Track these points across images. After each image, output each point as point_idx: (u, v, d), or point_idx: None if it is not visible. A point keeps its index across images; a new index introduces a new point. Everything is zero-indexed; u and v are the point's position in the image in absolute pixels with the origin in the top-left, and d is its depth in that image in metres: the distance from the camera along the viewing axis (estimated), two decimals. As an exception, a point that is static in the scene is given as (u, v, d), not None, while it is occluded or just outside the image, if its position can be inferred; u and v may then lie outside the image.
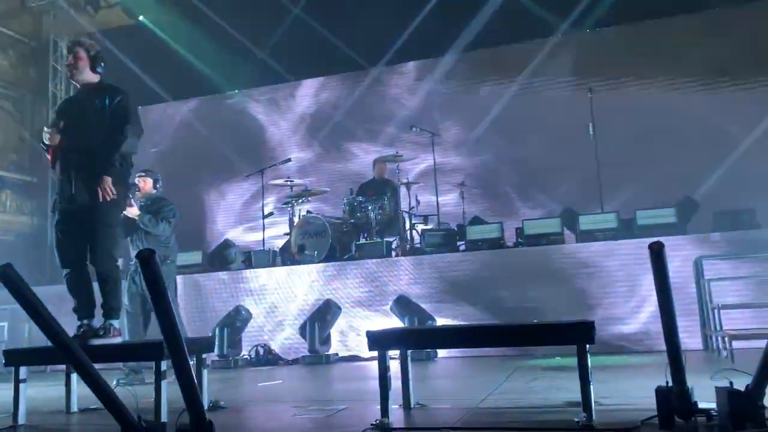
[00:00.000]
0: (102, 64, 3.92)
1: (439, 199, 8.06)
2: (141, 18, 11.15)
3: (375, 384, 3.06)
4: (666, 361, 2.47)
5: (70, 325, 3.76)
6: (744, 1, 8.50)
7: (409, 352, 3.34)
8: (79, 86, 3.96)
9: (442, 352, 6.34)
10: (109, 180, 3.65)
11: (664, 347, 2.47)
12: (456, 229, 7.62)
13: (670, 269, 2.42)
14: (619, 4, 8.60)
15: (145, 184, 5.93)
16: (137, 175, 5.97)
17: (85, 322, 3.68)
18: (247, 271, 7.61)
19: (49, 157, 3.83)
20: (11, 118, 12.38)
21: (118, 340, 3.64)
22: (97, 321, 3.74)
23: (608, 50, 8.88)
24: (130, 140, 3.79)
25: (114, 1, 11.61)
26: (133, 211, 5.56)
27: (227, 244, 8.33)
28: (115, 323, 3.69)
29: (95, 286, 3.80)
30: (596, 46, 9.00)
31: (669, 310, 2.42)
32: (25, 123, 12.31)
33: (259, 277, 7.42)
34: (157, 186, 6.01)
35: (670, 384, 2.45)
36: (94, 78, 3.91)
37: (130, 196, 5.62)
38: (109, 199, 3.65)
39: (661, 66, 8.58)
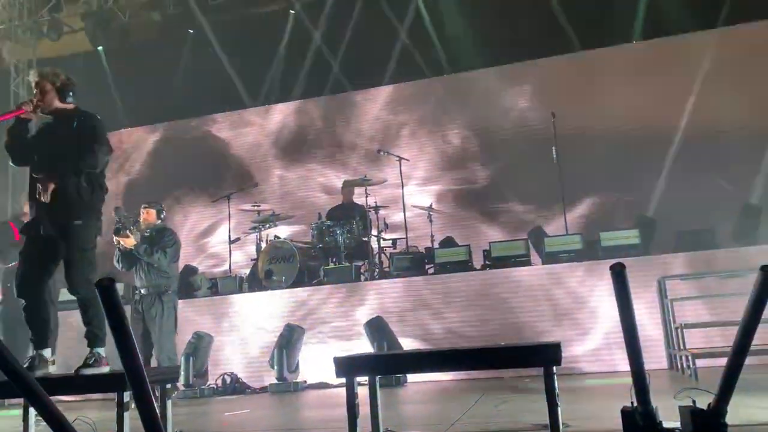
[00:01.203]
0: (71, 92, 3.83)
1: (408, 222, 8.08)
2: (99, 48, 11.09)
3: (343, 411, 3.02)
4: (631, 382, 2.50)
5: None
6: (700, 28, 8.81)
7: (377, 377, 3.31)
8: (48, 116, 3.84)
9: (411, 377, 6.31)
10: (51, 184, 3.58)
11: (629, 367, 2.50)
12: (424, 252, 7.64)
13: (632, 290, 2.46)
14: (580, 32, 8.86)
15: (149, 215, 6.16)
16: (141, 206, 6.25)
17: (40, 352, 3.57)
18: (214, 298, 7.50)
19: (7, 114, 3.71)
20: (-31, 145, 12.09)
21: (106, 369, 3.53)
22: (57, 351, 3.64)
23: (568, 75, 9.08)
24: (99, 156, 3.70)
25: (78, 27, 11.49)
26: (129, 242, 5.70)
27: (191, 271, 8.22)
28: (102, 351, 3.58)
29: (59, 314, 3.71)
30: (557, 72, 9.20)
31: (632, 330, 2.45)
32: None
33: (226, 304, 7.31)
34: (161, 216, 6.25)
35: (635, 404, 2.47)
36: (66, 106, 3.81)
37: (130, 227, 5.68)
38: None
39: (618, 89, 8.79)
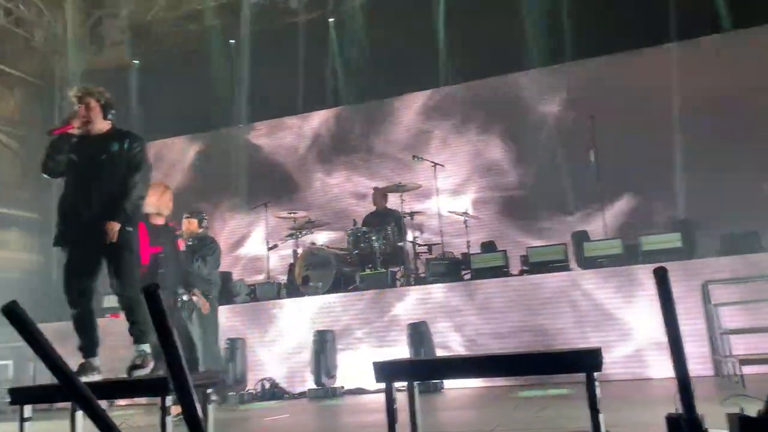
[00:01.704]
0: (113, 111, 3.92)
1: (443, 228, 8.05)
2: (135, 62, 11.35)
3: (381, 417, 3.03)
4: (675, 389, 2.45)
5: (73, 362, 3.76)
6: (748, 26, 8.57)
7: (415, 383, 3.30)
8: (86, 133, 3.91)
9: (448, 383, 6.28)
10: (117, 225, 3.67)
11: (671, 374, 2.45)
12: (460, 257, 7.61)
13: (675, 294, 2.41)
14: (617, 33, 8.72)
15: (191, 224, 6.34)
16: (184, 216, 6.42)
17: (89, 360, 3.67)
18: (253, 304, 7.59)
19: (58, 129, 3.80)
20: (16, 156, 12.51)
21: (151, 365, 3.63)
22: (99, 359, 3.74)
23: (607, 77, 8.95)
24: (140, 186, 3.81)
25: (118, 40, 11.79)
26: None
27: (227, 278, 8.34)
28: (147, 348, 3.68)
29: (101, 321, 3.80)
30: (595, 73, 9.07)
31: (676, 335, 2.40)
32: (30, 161, 12.42)
33: (265, 310, 7.39)
34: (203, 225, 6.41)
35: (680, 411, 2.41)
36: (106, 125, 3.90)
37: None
38: (114, 240, 3.66)
39: (660, 92, 8.63)
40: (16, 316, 1.77)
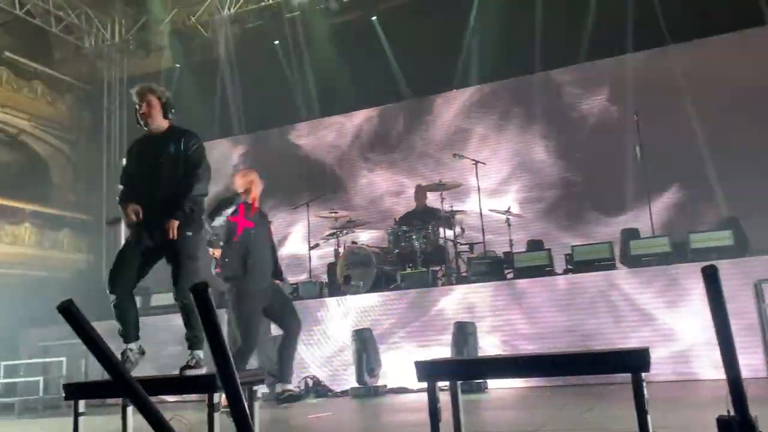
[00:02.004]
0: (173, 110, 3.99)
1: (485, 226, 7.99)
2: (177, 65, 11.57)
3: (423, 416, 3.03)
4: (726, 390, 2.38)
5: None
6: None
7: (458, 383, 3.29)
8: (148, 131, 4.00)
9: (492, 383, 6.23)
10: (176, 223, 3.72)
11: (721, 375, 2.39)
12: (503, 256, 7.54)
13: (727, 293, 2.35)
14: (666, 25, 8.52)
15: None
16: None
17: (129, 345, 3.76)
18: (295, 302, 7.66)
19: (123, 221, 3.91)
20: (68, 160, 12.92)
21: (204, 370, 3.71)
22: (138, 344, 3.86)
23: (651, 72, 8.75)
24: (201, 184, 3.85)
25: (163, 44, 12.07)
26: (219, 253, 5.82)
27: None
28: (201, 353, 3.75)
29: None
30: (638, 68, 8.88)
31: (727, 335, 2.34)
32: (80, 164, 12.83)
33: (307, 308, 7.47)
34: None
35: (732, 413, 2.35)
36: (164, 123, 3.97)
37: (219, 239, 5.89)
38: (174, 237, 3.71)
39: (706, 86, 8.40)
40: (71, 314, 1.83)
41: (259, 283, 5.35)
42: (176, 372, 3.71)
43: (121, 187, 3.98)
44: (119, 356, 3.73)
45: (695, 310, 5.80)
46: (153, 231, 3.78)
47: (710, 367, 5.56)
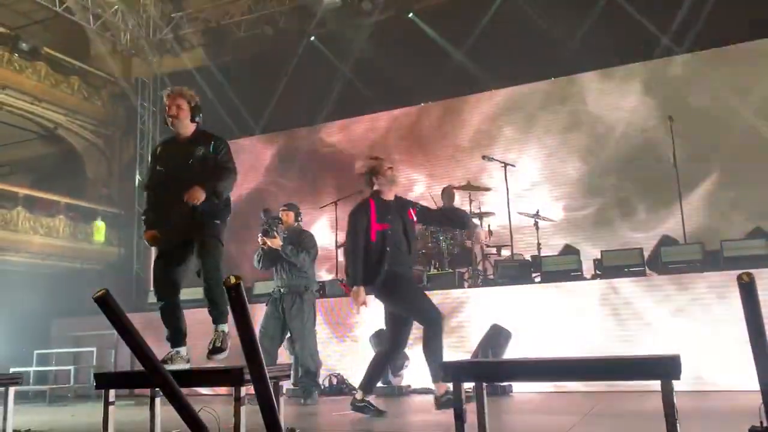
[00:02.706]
0: (200, 115, 4.04)
1: (513, 229, 7.95)
2: (211, 63, 11.72)
3: (447, 417, 3.02)
4: (759, 401, 2.34)
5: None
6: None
7: (484, 384, 3.28)
8: (174, 133, 4.06)
9: (517, 387, 6.20)
10: (201, 191, 3.73)
11: (751, 386, 2.35)
12: (531, 260, 7.49)
13: (761, 303, 2.31)
14: (702, 29, 8.39)
15: (288, 216, 6.29)
16: (280, 208, 6.41)
17: (177, 349, 3.83)
18: (322, 300, 7.71)
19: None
20: (102, 154, 13.18)
21: (228, 349, 3.76)
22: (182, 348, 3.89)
23: (685, 76, 8.62)
24: (228, 182, 3.92)
25: (197, 43, 12.24)
26: (276, 242, 5.92)
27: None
28: (226, 327, 3.80)
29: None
30: (675, 72, 8.76)
31: (762, 345, 2.30)
32: (114, 159, 13.08)
33: (333, 306, 7.50)
34: (299, 219, 6.36)
35: (765, 424, 2.32)
36: (191, 127, 4.02)
37: (275, 228, 5.93)
38: (197, 202, 3.73)
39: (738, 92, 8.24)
40: (107, 304, 1.88)
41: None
42: (202, 364, 3.77)
43: (146, 194, 4.06)
44: (163, 358, 3.77)
45: (728, 319, 5.69)
46: (181, 230, 3.84)
47: (744, 378, 5.45)
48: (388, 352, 4.99)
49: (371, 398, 4.86)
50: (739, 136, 8.03)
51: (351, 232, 4.80)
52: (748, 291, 2.24)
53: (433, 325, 4.67)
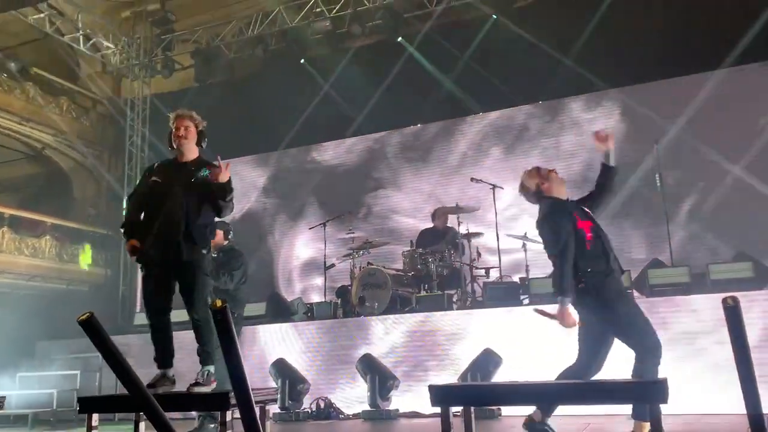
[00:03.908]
0: (205, 140, 4.07)
1: (502, 252, 7.96)
2: (199, 84, 11.75)
3: (438, 440, 3.00)
4: (744, 425, 2.34)
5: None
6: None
7: (472, 408, 3.27)
8: (177, 155, 4.05)
9: (506, 410, 6.16)
10: (227, 172, 3.78)
11: (737, 410, 2.35)
12: (519, 282, 7.50)
13: (747, 326, 2.32)
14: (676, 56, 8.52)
15: (217, 235, 6.00)
16: None
17: (165, 370, 3.79)
18: (309, 323, 7.67)
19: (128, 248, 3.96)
20: (90, 175, 13.12)
21: (214, 386, 3.72)
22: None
23: (670, 99, 8.74)
24: (227, 210, 3.93)
25: (187, 64, 12.28)
26: None
27: (278, 297, 8.50)
28: (212, 368, 3.78)
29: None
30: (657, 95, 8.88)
31: (748, 370, 2.30)
32: (102, 179, 13.02)
33: (320, 329, 7.46)
34: (229, 237, 5.98)
35: (753, 449, 2.31)
36: (195, 152, 4.04)
37: None
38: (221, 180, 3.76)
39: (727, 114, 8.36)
40: (91, 327, 1.86)
41: None
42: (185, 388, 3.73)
43: (126, 209, 4.08)
44: (154, 380, 3.73)
45: (713, 342, 5.71)
46: (171, 250, 3.81)
47: (728, 402, 5.45)
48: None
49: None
50: (729, 158, 8.10)
51: (557, 238, 4.06)
52: (733, 314, 2.25)
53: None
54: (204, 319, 3.72)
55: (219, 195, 3.83)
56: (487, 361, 6.28)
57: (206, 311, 3.70)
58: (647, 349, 3.79)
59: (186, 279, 3.82)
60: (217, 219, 4.02)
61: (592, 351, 4.07)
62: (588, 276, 3.93)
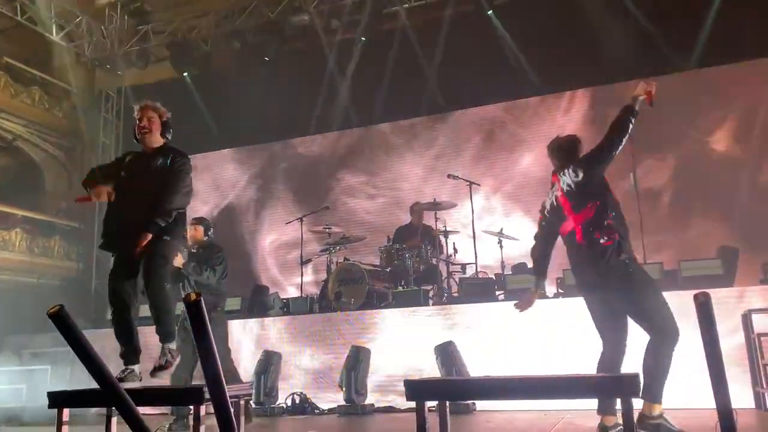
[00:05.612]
0: (170, 131, 4.09)
1: (478, 248, 8.00)
2: (185, 74, 11.60)
3: (412, 435, 3.01)
4: (714, 420, 2.38)
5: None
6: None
7: (447, 403, 3.28)
8: (142, 147, 4.08)
9: (481, 405, 6.20)
10: (148, 236, 3.77)
11: (709, 404, 2.39)
12: (494, 278, 7.55)
13: (717, 322, 2.35)
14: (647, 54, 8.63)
15: (196, 231, 6.04)
16: (189, 223, 5.96)
17: (131, 367, 3.75)
18: (285, 318, 7.63)
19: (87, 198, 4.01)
20: (62, 167, 12.88)
21: (174, 366, 3.70)
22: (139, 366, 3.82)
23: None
24: (179, 196, 3.93)
25: (163, 56, 12.11)
26: (178, 260, 5.65)
27: (261, 290, 8.42)
28: (173, 345, 3.78)
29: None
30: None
31: (718, 365, 2.34)
32: (75, 172, 12.79)
33: (297, 324, 7.43)
34: (209, 233, 6.09)
35: (721, 443, 2.35)
36: (160, 141, 4.07)
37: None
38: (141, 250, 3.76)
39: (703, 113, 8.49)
40: (62, 320, 1.83)
41: None
42: (158, 382, 3.71)
43: (93, 169, 4.11)
44: (120, 374, 3.70)
45: (685, 338, 5.79)
46: (135, 241, 3.79)
47: (699, 396, 5.54)
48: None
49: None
50: (702, 158, 8.22)
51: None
52: (704, 310, 2.28)
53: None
54: (160, 301, 3.74)
55: (171, 183, 3.90)
56: (446, 353, 6.29)
57: (163, 294, 3.74)
58: (672, 332, 4.24)
59: (144, 260, 3.80)
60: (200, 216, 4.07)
61: (617, 339, 4.49)
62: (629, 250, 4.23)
